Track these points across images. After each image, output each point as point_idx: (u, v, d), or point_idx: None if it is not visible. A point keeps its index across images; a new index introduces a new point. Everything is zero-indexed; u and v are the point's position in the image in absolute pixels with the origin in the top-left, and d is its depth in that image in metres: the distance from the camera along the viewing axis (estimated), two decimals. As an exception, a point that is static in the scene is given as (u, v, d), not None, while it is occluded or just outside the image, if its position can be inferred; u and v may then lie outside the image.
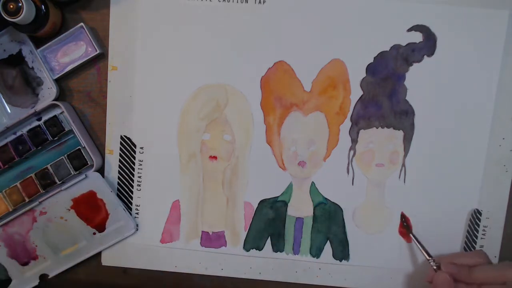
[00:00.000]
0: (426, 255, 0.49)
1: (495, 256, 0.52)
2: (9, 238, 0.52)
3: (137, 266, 0.54)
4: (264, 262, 0.54)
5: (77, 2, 0.51)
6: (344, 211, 0.53)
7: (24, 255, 0.53)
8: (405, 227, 0.52)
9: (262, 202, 0.53)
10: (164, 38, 0.52)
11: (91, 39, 0.50)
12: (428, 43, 0.50)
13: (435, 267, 0.47)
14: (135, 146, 0.53)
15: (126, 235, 0.53)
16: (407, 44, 0.50)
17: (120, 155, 0.53)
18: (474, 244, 0.52)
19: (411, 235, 0.51)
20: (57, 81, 0.52)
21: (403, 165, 0.52)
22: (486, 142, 0.51)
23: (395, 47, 0.51)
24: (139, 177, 0.53)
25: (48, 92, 0.51)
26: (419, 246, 0.50)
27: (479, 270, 0.45)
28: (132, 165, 0.53)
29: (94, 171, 0.51)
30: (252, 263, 0.54)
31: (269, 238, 0.53)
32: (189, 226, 0.54)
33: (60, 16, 0.51)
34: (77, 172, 0.51)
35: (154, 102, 0.52)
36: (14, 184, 0.51)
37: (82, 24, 0.50)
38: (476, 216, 0.52)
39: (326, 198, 0.53)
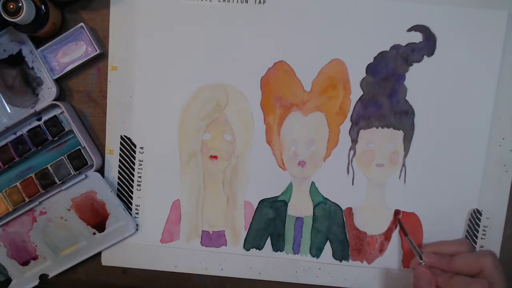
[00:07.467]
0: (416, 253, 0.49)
1: (495, 256, 0.52)
2: (9, 238, 0.52)
3: (137, 266, 0.54)
4: (264, 262, 0.54)
5: (77, 2, 0.51)
6: (344, 211, 0.53)
7: (24, 255, 0.53)
8: (402, 229, 0.52)
9: (262, 201, 0.53)
10: (164, 38, 0.52)
11: (91, 39, 0.50)
12: (428, 43, 0.50)
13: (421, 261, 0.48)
14: (135, 146, 0.53)
15: (126, 235, 0.53)
16: (407, 44, 0.51)
17: (120, 155, 0.53)
18: (474, 244, 0.52)
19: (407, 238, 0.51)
20: (57, 81, 0.52)
21: (403, 165, 0.52)
22: (486, 142, 0.51)
23: (395, 47, 0.51)
24: (139, 177, 0.53)
25: (48, 92, 0.51)
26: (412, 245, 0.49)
27: (458, 259, 0.46)
28: (132, 165, 0.53)
29: (94, 171, 0.51)
30: (252, 263, 0.54)
31: (269, 237, 0.53)
32: (189, 226, 0.54)
33: (60, 16, 0.51)
34: (77, 172, 0.51)
35: (154, 102, 0.52)
36: (14, 184, 0.51)
37: (82, 24, 0.50)
38: (476, 216, 0.52)
39: (326, 198, 0.53)
